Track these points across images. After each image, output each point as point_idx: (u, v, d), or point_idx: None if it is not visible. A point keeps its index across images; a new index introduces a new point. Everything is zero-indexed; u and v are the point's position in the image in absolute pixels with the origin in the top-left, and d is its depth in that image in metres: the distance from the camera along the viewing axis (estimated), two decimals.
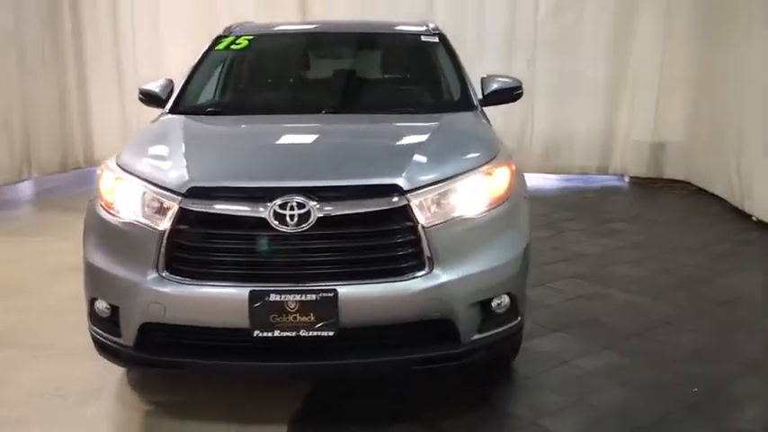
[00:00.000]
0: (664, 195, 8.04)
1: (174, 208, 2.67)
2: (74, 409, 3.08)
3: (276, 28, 4.44)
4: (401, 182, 2.67)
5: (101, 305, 2.84)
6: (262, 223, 2.60)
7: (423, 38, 4.25)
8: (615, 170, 8.79)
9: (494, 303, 2.89)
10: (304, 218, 2.59)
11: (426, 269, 2.67)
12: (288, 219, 2.58)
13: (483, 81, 4.00)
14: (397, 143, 3.12)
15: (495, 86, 3.98)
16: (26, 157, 8.16)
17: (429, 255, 2.67)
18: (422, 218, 2.67)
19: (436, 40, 4.21)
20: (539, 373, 3.46)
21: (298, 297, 2.59)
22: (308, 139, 3.27)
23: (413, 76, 4.38)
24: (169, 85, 3.97)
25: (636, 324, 4.08)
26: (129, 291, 2.70)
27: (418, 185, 2.70)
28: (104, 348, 2.86)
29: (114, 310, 2.78)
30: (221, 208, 2.66)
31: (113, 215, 2.83)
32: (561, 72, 8.69)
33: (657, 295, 4.60)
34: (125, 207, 2.81)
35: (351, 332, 2.66)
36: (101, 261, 2.82)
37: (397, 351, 2.73)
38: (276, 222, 2.59)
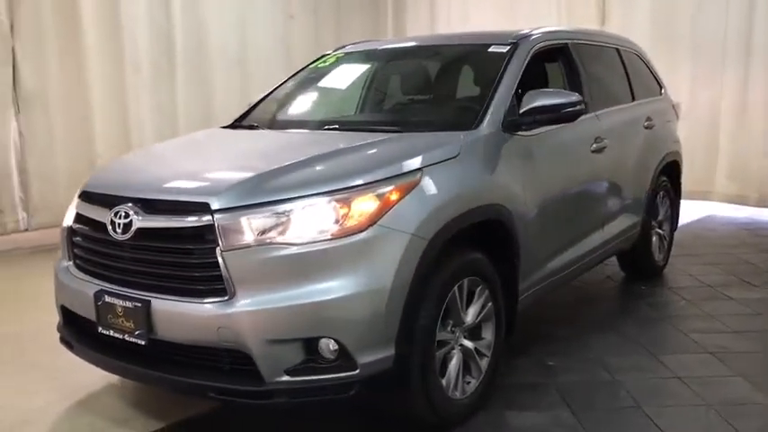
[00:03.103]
0: None
1: (73, 208, 3.07)
2: None
3: (372, 47, 4.40)
4: (211, 201, 2.58)
5: None
6: (104, 228, 2.81)
7: (491, 49, 3.78)
8: None
9: (321, 347, 2.58)
10: (127, 227, 2.72)
11: (227, 295, 2.55)
12: (117, 227, 2.75)
13: (525, 97, 3.40)
14: (262, 162, 2.92)
15: (534, 103, 3.34)
16: None
17: (229, 280, 2.54)
18: (226, 240, 2.54)
19: (503, 50, 3.70)
20: None
21: (121, 302, 2.74)
22: (211, 153, 3.34)
23: (445, 91, 3.93)
24: None
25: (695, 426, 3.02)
26: (54, 275, 3.19)
27: (231, 206, 2.57)
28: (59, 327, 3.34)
29: None
30: (87, 211, 2.96)
31: None
32: None
33: None
34: None
35: (163, 345, 2.70)
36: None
37: (197, 374, 2.66)
38: (110, 229, 2.77)
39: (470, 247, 3.06)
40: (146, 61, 7.39)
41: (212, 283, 2.57)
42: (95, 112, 7.09)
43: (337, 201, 2.59)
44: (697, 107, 7.89)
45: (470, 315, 3.07)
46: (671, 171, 5.26)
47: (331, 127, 3.59)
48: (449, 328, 2.97)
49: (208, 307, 2.56)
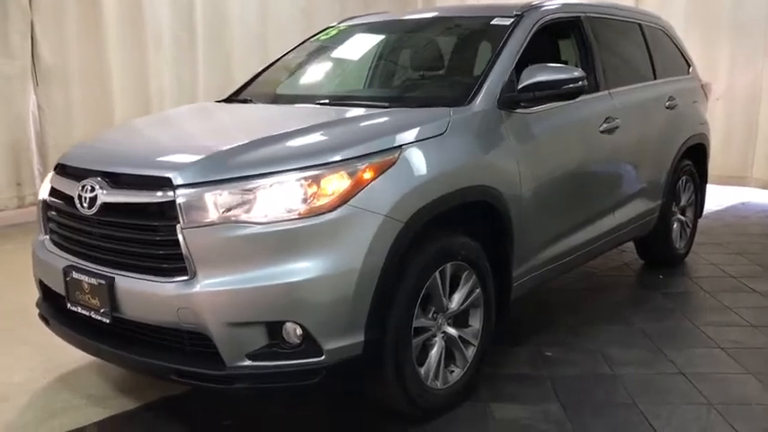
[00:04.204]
0: None
1: (48, 181, 3.00)
2: None
3: (374, 19, 4.23)
4: (174, 176, 2.46)
5: None
6: (73, 202, 2.73)
7: (494, 21, 3.57)
8: None
9: (285, 331, 2.46)
10: (93, 201, 2.63)
11: (188, 275, 2.45)
12: (83, 201, 2.66)
13: (523, 72, 3.20)
14: (237, 137, 2.79)
15: (533, 79, 3.15)
16: None
17: (190, 259, 2.43)
18: (188, 217, 2.43)
19: (506, 23, 3.49)
20: None
21: (87, 279, 2.66)
22: (191, 127, 3.23)
23: (443, 65, 3.76)
24: None
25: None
26: (32, 250, 3.12)
27: (194, 182, 2.45)
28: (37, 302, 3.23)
29: None
30: (59, 185, 2.88)
31: None
32: None
33: None
34: None
35: (127, 324, 2.62)
36: None
37: (160, 356, 2.57)
38: (78, 203, 2.69)
39: (456, 230, 2.90)
40: (166, 35, 7.32)
41: (174, 262, 2.47)
42: (115, 86, 7.05)
43: (306, 178, 2.46)
44: (735, 88, 7.54)
45: (455, 301, 2.92)
46: (696, 154, 4.98)
47: (321, 101, 3.45)
48: (430, 315, 2.83)
49: (168, 286, 2.47)
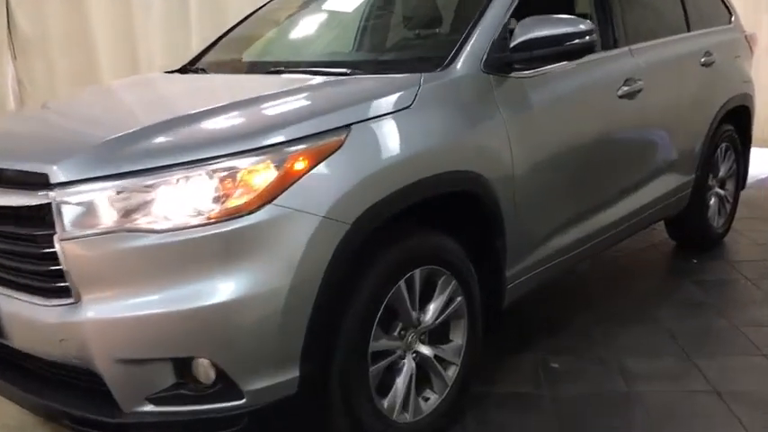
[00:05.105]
0: None
1: None
2: None
3: None
4: (50, 171, 1.93)
5: None
6: None
7: None
8: None
9: (195, 368, 1.94)
10: None
11: (71, 298, 1.93)
12: None
13: (517, 27, 2.59)
14: (148, 117, 2.24)
15: (530, 35, 2.53)
16: None
17: (71, 278, 1.91)
18: (66, 225, 1.90)
19: None
20: None
21: None
22: (111, 106, 2.70)
23: (420, 21, 3.16)
24: None
25: None
26: None
27: (74, 179, 1.91)
28: None
29: None
30: None
31: None
32: None
33: None
34: None
35: (15, 352, 2.12)
36: None
37: (52, 394, 2.07)
38: None
39: (428, 227, 2.34)
40: None
41: (55, 282, 1.95)
42: (101, 56, 6.55)
43: (218, 170, 1.91)
44: None
45: (430, 314, 2.37)
46: (738, 118, 4.28)
47: (276, 69, 2.87)
48: (396, 333, 2.28)
49: (49, 312, 1.96)
